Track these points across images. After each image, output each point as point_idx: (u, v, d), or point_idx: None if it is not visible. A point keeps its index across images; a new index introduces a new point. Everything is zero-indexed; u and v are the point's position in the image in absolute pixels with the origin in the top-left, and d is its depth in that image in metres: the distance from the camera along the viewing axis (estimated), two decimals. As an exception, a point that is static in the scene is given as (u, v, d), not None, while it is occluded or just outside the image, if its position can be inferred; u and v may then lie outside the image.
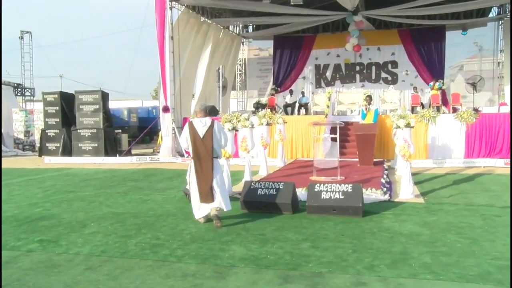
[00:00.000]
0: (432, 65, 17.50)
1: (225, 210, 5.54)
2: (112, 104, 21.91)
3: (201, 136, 5.47)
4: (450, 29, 17.63)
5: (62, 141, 15.34)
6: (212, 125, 5.50)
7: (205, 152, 5.47)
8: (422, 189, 7.72)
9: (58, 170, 11.84)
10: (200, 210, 5.55)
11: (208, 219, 5.58)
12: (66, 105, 15.65)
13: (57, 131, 15.48)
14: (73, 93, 15.56)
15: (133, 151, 16.63)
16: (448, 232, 4.97)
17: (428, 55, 17.62)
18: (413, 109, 15.19)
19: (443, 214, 5.89)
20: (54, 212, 6.45)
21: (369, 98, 11.16)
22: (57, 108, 15.55)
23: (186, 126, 5.62)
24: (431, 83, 15.92)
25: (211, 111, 14.67)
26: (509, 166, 10.18)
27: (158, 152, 14.83)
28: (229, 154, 7.67)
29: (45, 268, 4.07)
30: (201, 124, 5.51)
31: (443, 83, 16.27)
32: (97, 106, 15.01)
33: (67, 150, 15.21)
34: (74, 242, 4.83)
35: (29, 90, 22.66)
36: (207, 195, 5.43)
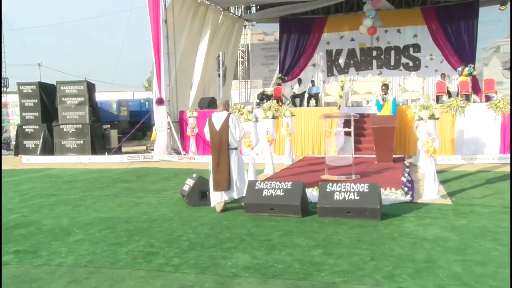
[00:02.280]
0: (461, 48, 17.12)
1: (236, 197, 6.61)
2: (100, 96, 21.94)
3: (217, 129, 6.56)
4: (485, 5, 17.07)
5: (42, 138, 15.38)
6: (227, 118, 6.55)
7: (220, 144, 6.55)
8: (449, 189, 7.67)
9: (38, 171, 11.89)
10: (215, 197, 6.57)
11: (223, 209, 6.46)
12: (47, 98, 15.65)
13: (36, 127, 15.50)
14: (54, 84, 15.55)
15: (123, 149, 16.68)
16: (482, 238, 4.90)
17: (457, 36, 17.23)
18: (438, 99, 15.10)
19: (475, 217, 5.82)
20: (33, 218, 6.45)
21: (385, 87, 11.09)
22: (36, 100, 15.54)
23: (207, 120, 6.78)
24: (459, 69, 15.66)
25: (211, 103, 14.72)
26: None
27: (152, 150, 14.87)
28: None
29: (21, 282, 4.03)
30: (217, 118, 6.63)
31: (474, 68, 15.98)
32: (82, 99, 15.03)
33: (48, 149, 15.26)
34: (56, 252, 4.82)
35: (2, 80, 22.60)
36: (221, 184, 6.50)
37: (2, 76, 21.79)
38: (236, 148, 6.64)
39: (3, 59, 22.31)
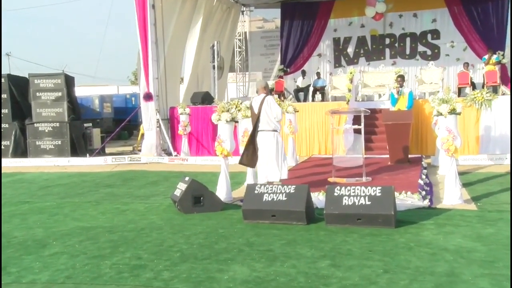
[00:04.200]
0: (488, 33, 16.75)
1: (278, 179, 7.72)
2: (80, 91, 21.98)
3: (256, 112, 7.64)
4: (517, -19, 16.54)
5: (13, 138, 15.25)
6: (263, 100, 7.58)
7: (256, 124, 7.67)
8: (473, 193, 7.66)
9: (9, 176, 11.85)
10: (268, 175, 7.73)
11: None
12: (18, 92, 15.54)
13: (6, 125, 15.33)
14: (27, 76, 15.49)
15: (107, 150, 16.68)
16: (514, 249, 4.85)
17: (483, 20, 16.88)
18: (460, 91, 15.05)
19: (505, 225, 5.77)
20: (2, 229, 6.38)
21: (401, 79, 11.10)
22: (5, 95, 15.34)
23: (249, 105, 8.07)
24: (486, 57, 15.48)
25: (205, 99, 14.71)
26: None
27: (139, 151, 14.88)
28: (228, 151, 7.70)
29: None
30: (255, 101, 7.76)
31: (503, 55, 15.69)
32: (60, 94, 15.01)
33: (20, 150, 15.20)
34: (28, 268, 4.77)
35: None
36: (248, 161, 7.80)
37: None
38: (275, 130, 7.65)
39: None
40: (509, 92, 14.05)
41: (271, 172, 7.71)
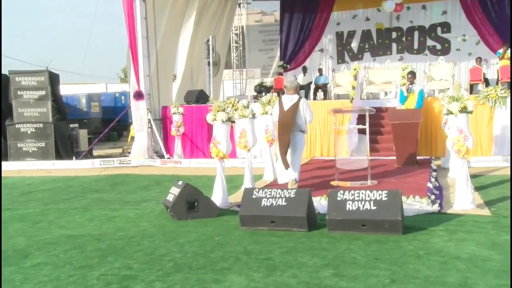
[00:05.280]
0: (502, 25, 16.52)
1: (293, 178, 7.93)
2: (65, 90, 21.96)
3: (285, 109, 7.94)
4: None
5: None
6: (297, 102, 7.93)
7: (286, 125, 7.94)
8: (487, 197, 7.66)
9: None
10: (284, 175, 8.03)
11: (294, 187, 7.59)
12: None
13: None
14: (7, 74, 15.46)
15: (95, 152, 16.68)
16: (531, 257, 4.85)
17: (498, 11, 16.76)
18: (472, 88, 15.05)
19: (522, 231, 5.79)
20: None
21: (411, 76, 11.09)
22: None
23: (277, 101, 8.40)
24: (500, 51, 15.45)
25: (200, 97, 14.72)
26: None
27: (129, 153, 14.85)
28: (224, 153, 7.70)
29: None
30: (288, 100, 7.99)
31: None
32: (44, 92, 14.99)
33: (1, 153, 15.15)
34: (8, 280, 4.75)
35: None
36: (285, 162, 7.91)
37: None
38: (302, 131, 8.04)
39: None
40: None
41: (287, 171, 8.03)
